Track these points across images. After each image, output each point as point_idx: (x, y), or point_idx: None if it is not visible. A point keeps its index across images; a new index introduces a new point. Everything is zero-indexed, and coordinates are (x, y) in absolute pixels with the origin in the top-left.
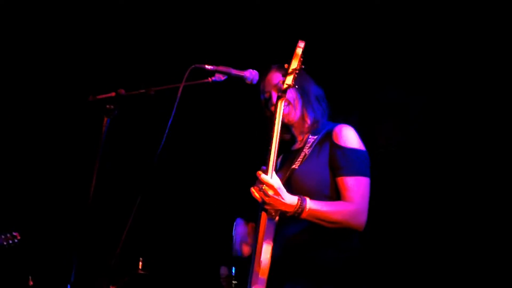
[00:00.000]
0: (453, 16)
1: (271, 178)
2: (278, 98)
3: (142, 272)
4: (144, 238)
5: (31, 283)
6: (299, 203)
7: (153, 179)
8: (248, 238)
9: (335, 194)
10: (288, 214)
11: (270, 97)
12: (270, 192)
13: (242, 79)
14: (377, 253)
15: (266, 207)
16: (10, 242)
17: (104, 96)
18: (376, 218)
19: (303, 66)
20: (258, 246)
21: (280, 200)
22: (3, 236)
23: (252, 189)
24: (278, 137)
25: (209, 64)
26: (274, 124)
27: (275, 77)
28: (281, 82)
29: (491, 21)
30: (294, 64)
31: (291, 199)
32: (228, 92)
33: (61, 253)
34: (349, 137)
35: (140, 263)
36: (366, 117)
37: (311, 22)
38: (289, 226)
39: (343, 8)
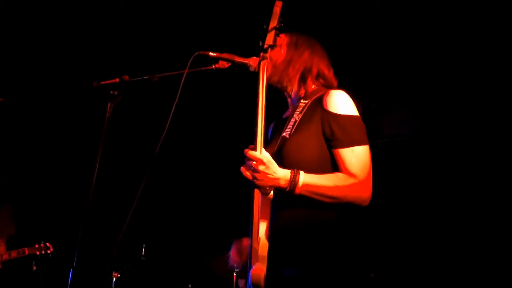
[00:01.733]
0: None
1: (260, 153)
2: (260, 60)
3: (144, 259)
4: (147, 225)
5: (34, 268)
6: (291, 177)
7: (156, 166)
8: (240, 255)
9: (330, 166)
10: (284, 190)
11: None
12: (261, 168)
13: (245, 66)
14: (380, 241)
15: (258, 183)
16: (43, 252)
17: (108, 82)
18: (380, 207)
19: (282, 25)
20: (254, 224)
21: (271, 175)
22: (37, 246)
23: (242, 168)
24: (263, 107)
25: (213, 51)
26: (258, 92)
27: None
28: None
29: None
30: (273, 23)
31: (283, 173)
32: (232, 79)
33: (64, 239)
34: (340, 102)
35: (143, 250)
36: (372, 107)
37: (317, 8)
38: (283, 202)
39: None
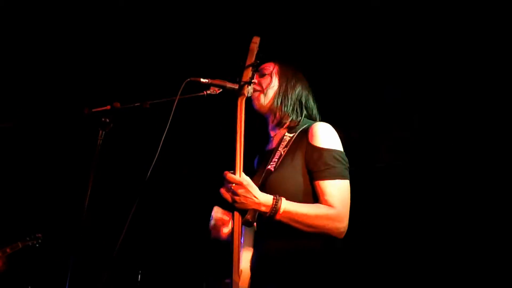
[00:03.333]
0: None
1: (240, 176)
2: (237, 96)
3: (140, 285)
4: (143, 251)
5: None
6: (273, 203)
7: (148, 191)
8: (224, 221)
9: (312, 199)
10: (264, 215)
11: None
12: (240, 191)
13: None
14: (371, 264)
15: (238, 206)
16: (35, 242)
17: (99, 109)
18: (376, 230)
19: (258, 61)
20: (234, 253)
21: (252, 199)
22: (28, 238)
23: (221, 190)
24: (242, 136)
25: (204, 77)
26: (236, 125)
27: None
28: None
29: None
30: (250, 60)
31: (265, 198)
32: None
33: (57, 263)
34: (324, 136)
35: (139, 276)
36: (368, 132)
37: (312, 37)
38: (268, 233)
39: (347, 19)
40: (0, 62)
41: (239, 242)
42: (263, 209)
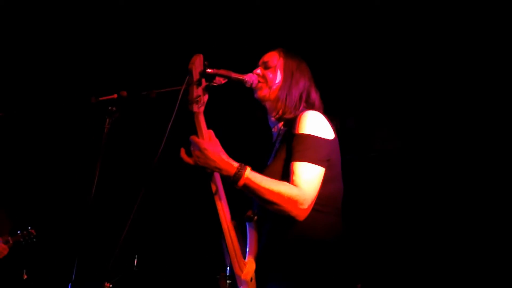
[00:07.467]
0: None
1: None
2: (192, 114)
3: (137, 269)
4: (140, 236)
5: (25, 276)
6: (237, 169)
7: (152, 180)
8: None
9: None
10: (228, 180)
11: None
12: (198, 153)
13: (242, 82)
14: (370, 252)
15: (200, 164)
16: (27, 238)
17: (106, 97)
18: (370, 218)
19: (204, 77)
20: (230, 249)
21: (211, 160)
22: (19, 233)
23: (183, 155)
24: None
25: (209, 68)
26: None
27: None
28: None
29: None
30: (191, 79)
31: (226, 164)
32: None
33: (62, 253)
34: (308, 123)
35: (135, 261)
36: (363, 122)
37: (310, 25)
38: (271, 223)
39: (343, 11)
40: (9, 52)
41: (230, 235)
42: (224, 173)
